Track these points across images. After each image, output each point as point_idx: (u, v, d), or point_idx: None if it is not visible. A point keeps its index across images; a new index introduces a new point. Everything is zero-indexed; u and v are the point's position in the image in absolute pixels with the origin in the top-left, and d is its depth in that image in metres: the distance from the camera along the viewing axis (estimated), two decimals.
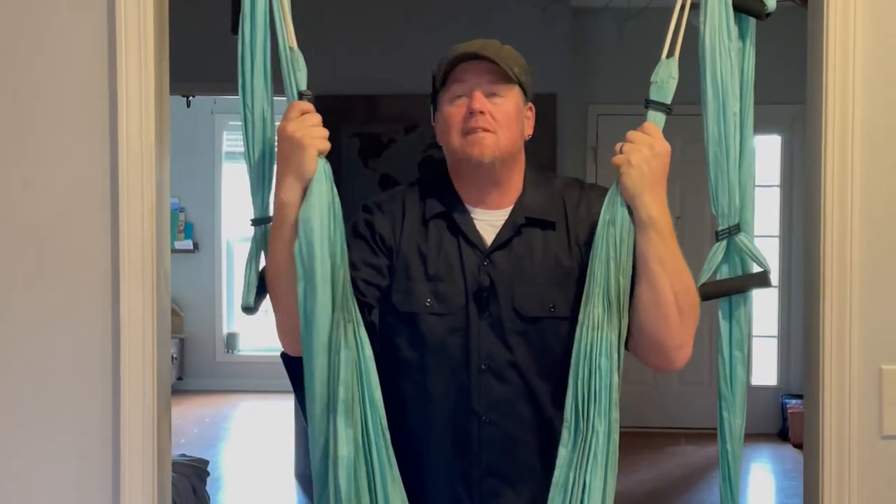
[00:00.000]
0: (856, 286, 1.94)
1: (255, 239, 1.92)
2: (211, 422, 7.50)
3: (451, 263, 1.92)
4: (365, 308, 1.89)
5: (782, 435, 6.71)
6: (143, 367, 2.00)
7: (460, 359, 1.89)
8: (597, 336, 1.77)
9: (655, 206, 1.78)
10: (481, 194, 1.95)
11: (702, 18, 1.82)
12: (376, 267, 1.92)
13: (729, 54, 1.81)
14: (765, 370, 6.87)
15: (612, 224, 1.79)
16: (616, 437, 1.77)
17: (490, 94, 1.90)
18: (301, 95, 1.80)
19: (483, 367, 1.89)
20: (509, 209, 1.95)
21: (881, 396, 1.95)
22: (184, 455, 4.69)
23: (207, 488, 4.60)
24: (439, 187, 1.98)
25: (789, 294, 6.68)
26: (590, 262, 1.81)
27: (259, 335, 8.58)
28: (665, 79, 1.82)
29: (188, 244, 8.46)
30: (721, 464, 1.91)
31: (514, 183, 1.96)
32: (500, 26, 5.99)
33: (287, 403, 6.19)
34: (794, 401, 6.55)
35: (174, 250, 8.11)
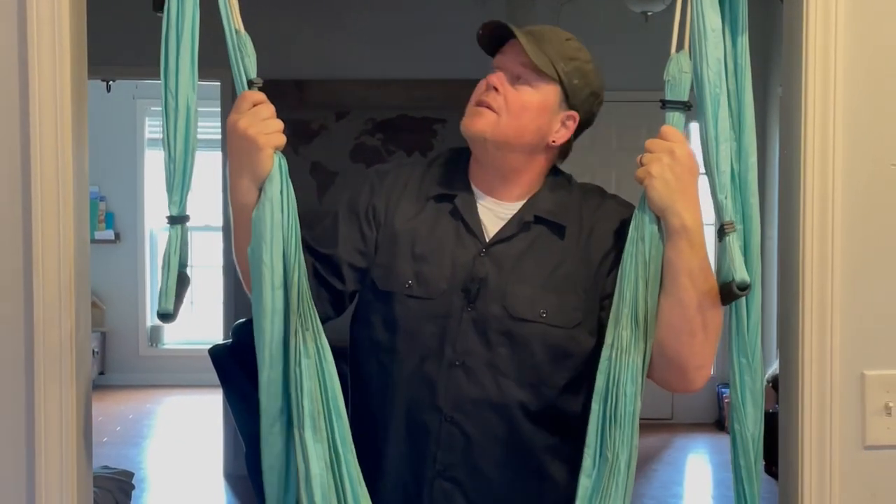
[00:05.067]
0: (837, 286, 1.84)
1: (171, 239, 1.73)
2: (134, 419, 7.31)
3: (442, 247, 1.84)
4: (346, 298, 1.87)
5: (719, 424, 6.71)
6: (59, 374, 1.83)
7: (433, 348, 1.81)
8: (624, 360, 1.70)
9: (689, 214, 1.68)
10: (487, 180, 1.89)
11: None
12: (363, 253, 1.86)
13: (705, 37, 1.70)
14: None
15: (641, 241, 1.71)
16: (634, 464, 1.70)
17: (517, 78, 1.83)
18: (251, 84, 1.68)
19: (456, 362, 1.80)
20: (520, 203, 1.88)
21: (864, 404, 1.85)
22: (106, 467, 4.49)
23: (132, 502, 4.40)
24: (453, 166, 1.93)
25: None
26: (618, 281, 1.73)
27: (184, 328, 8.39)
28: (677, 75, 1.71)
29: (109, 234, 8.25)
30: (735, 480, 1.81)
31: (526, 179, 1.88)
32: (436, 11, 5.90)
33: (215, 398, 6.04)
34: (729, 390, 6.54)
35: (94, 241, 7.88)
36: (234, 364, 4.66)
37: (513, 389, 1.80)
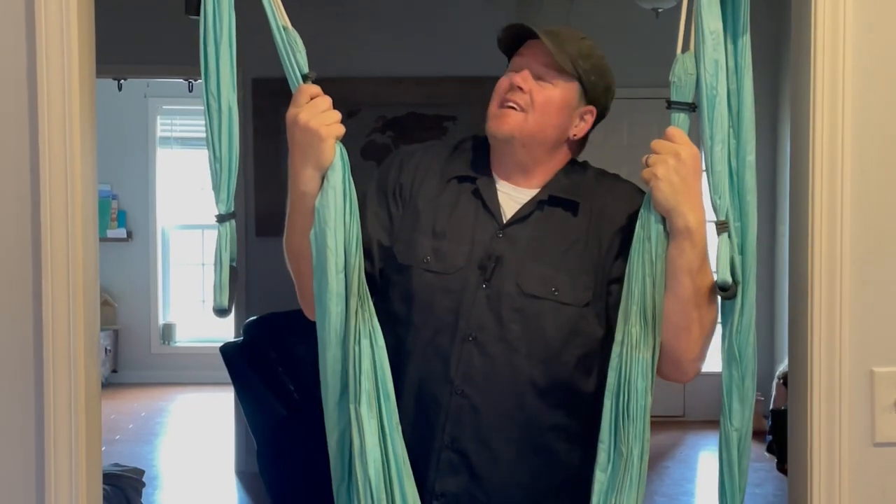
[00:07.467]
0: (846, 283, 1.83)
1: (221, 236, 1.80)
2: (147, 416, 7.33)
3: (461, 226, 1.90)
4: (376, 279, 1.91)
5: None
6: (68, 371, 1.84)
7: (447, 322, 1.86)
8: (635, 356, 1.74)
9: (693, 215, 1.72)
10: (507, 169, 1.94)
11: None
12: (390, 230, 1.93)
13: (703, 40, 1.72)
14: (712, 357, 6.82)
15: (647, 240, 1.74)
16: (647, 458, 1.73)
17: (539, 77, 1.88)
18: (305, 78, 1.74)
19: (469, 336, 1.85)
20: (537, 190, 1.93)
21: (873, 401, 1.85)
22: (117, 465, 4.50)
23: (143, 500, 4.41)
24: (476, 152, 1.98)
25: None
26: (625, 279, 1.77)
27: (196, 326, 8.40)
28: (683, 76, 1.74)
29: (121, 232, 8.25)
30: (719, 473, 1.81)
31: (546, 170, 1.94)
32: (445, 12, 5.89)
33: (226, 396, 6.05)
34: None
35: (106, 239, 7.91)
36: (246, 362, 4.68)
37: (523, 365, 1.83)
